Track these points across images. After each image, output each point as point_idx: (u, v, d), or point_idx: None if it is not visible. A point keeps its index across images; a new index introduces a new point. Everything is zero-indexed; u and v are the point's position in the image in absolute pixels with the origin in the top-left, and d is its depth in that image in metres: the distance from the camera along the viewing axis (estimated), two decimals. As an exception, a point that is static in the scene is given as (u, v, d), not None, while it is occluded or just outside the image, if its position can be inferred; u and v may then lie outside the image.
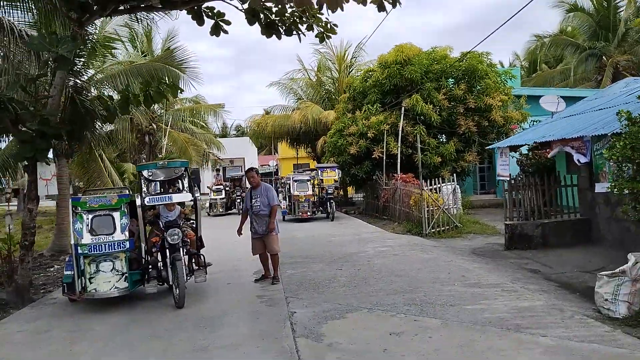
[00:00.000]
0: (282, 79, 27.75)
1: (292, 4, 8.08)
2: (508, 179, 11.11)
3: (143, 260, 7.59)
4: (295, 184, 17.29)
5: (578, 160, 8.63)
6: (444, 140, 18.53)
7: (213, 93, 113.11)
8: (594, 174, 9.06)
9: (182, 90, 12.51)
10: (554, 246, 9.99)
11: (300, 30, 8.65)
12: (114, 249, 7.04)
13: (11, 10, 10.10)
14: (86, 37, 14.11)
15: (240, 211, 11.33)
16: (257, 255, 8.37)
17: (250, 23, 8.50)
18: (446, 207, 13.34)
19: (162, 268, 7.41)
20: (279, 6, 8.24)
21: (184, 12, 8.96)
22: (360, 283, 7.73)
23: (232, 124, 58.62)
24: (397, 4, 8.50)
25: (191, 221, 8.06)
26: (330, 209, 17.23)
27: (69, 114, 9.33)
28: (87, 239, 7.01)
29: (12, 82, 8.40)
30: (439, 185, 13.82)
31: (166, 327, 6.13)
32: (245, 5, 8.28)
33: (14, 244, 8.07)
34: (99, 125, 15.99)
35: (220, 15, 8.65)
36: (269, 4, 8.34)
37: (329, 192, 17.52)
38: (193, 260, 7.87)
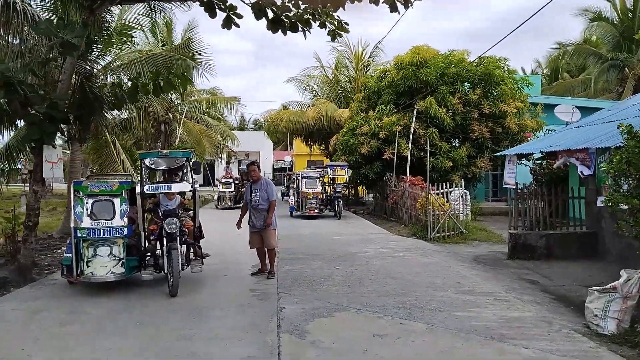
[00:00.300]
0: (299, 75, 27.87)
1: (300, 2, 8.12)
2: (514, 187, 10.97)
3: (142, 247, 7.69)
4: (304, 180, 17.35)
5: (581, 173, 8.49)
6: (457, 144, 18.38)
7: (233, 86, 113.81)
8: (598, 187, 8.92)
9: (191, 82, 12.69)
10: (557, 258, 9.85)
11: (305, 27, 8.67)
12: (112, 234, 7.15)
13: (31, -6, 10.33)
14: (102, 25, 14.33)
15: None
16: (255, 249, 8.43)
17: (257, 17, 8.55)
18: (454, 212, 13.24)
19: (159, 256, 7.50)
20: (286, 3, 8.28)
21: (199, 3, 9.08)
22: (355, 283, 7.74)
23: (250, 118, 58.91)
24: (410, 5, 8.49)
25: (190, 211, 8.14)
26: (338, 207, 17.25)
27: (78, 99, 9.49)
28: (86, 223, 7.13)
29: (24, 64, 8.57)
30: (447, 190, 13.71)
31: (157, 315, 6.22)
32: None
33: (18, 224, 8.24)
34: (112, 113, 16.28)
35: (233, 8, 8.70)
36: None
37: (338, 190, 17.54)
38: (191, 250, 7.96)
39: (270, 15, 8.75)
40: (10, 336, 5.51)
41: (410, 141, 17.18)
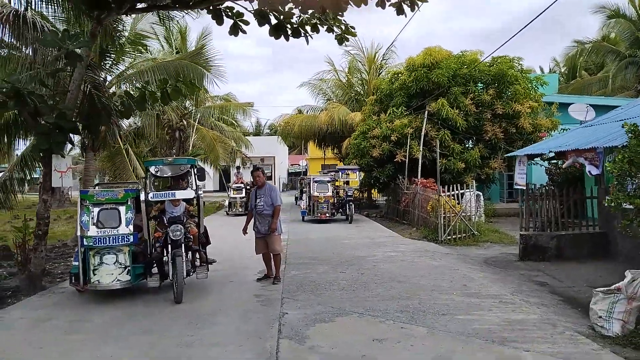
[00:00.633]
0: (311, 79, 27.90)
1: (298, 7, 8.17)
2: (525, 187, 10.81)
3: (148, 254, 7.78)
4: (316, 184, 17.35)
5: (589, 172, 8.33)
6: (470, 146, 18.20)
7: (250, 91, 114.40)
8: (606, 186, 8.72)
9: (199, 89, 12.79)
10: (568, 259, 9.67)
11: (313, 32, 8.71)
12: (118, 242, 7.26)
13: (44, 5, 10.57)
14: (114, 34, 14.56)
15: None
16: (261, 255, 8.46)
17: (260, 24, 8.62)
18: (466, 214, 13.10)
19: (165, 263, 7.58)
20: (286, 8, 8.34)
21: (206, 11, 9.20)
22: (360, 287, 7.71)
23: (265, 123, 59.25)
24: (416, 7, 8.47)
25: (196, 218, 8.21)
26: (349, 211, 17.20)
27: (86, 108, 9.67)
28: (92, 231, 7.25)
29: (32, 75, 8.77)
30: (458, 192, 13.57)
31: (161, 322, 6.28)
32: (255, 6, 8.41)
33: (28, 233, 8.42)
34: (125, 122, 16.53)
35: (239, 15, 8.80)
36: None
37: (349, 194, 17.49)
38: (196, 256, 8.03)
39: (273, 21, 8.85)
40: (14, 344, 5.63)
41: (422, 143, 17.07)
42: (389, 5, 8.18)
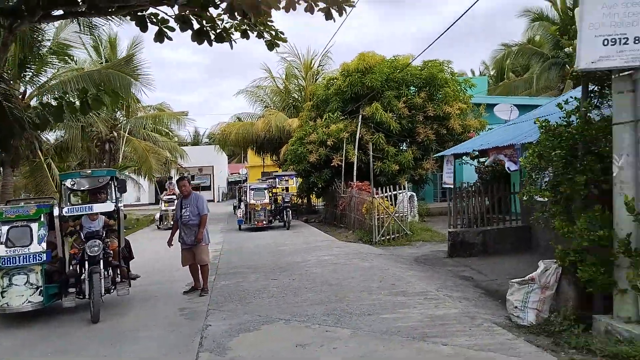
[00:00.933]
0: (248, 86, 27.66)
1: (226, 12, 8.02)
2: (452, 186, 11.13)
3: (65, 272, 7.34)
4: (252, 192, 17.14)
5: (508, 168, 8.68)
6: (404, 148, 18.60)
7: (187, 100, 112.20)
8: (522, 181, 9.12)
9: (123, 98, 12.37)
10: (494, 253, 10.02)
11: (232, 37, 8.58)
12: (29, 261, 6.80)
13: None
14: (33, 44, 13.75)
15: None
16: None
17: (182, 30, 8.40)
18: (400, 214, 13.33)
19: (82, 281, 7.17)
20: (208, 13, 8.16)
21: (129, 17, 8.86)
22: (290, 293, 7.61)
23: (204, 132, 58.17)
24: (344, 12, 8.53)
25: (116, 232, 7.84)
26: (287, 217, 17.07)
27: (-5, 122, 9.07)
28: (1, 251, 6.76)
29: None
30: (391, 193, 13.80)
31: (76, 342, 5.93)
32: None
33: None
34: (47, 135, 15.69)
35: (164, 21, 8.51)
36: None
37: (286, 200, 17.39)
38: (117, 272, 7.66)
39: (196, 26, 8.65)
40: None
41: (357, 147, 17.27)
42: (318, 11, 8.21)
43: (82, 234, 7.34)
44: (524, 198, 5.89)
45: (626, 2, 4.72)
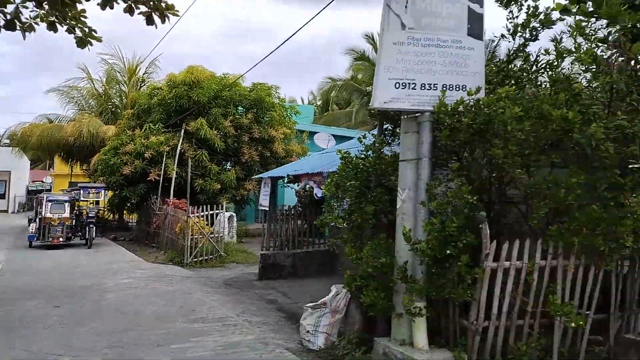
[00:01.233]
0: (61, 85, 24.77)
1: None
2: (268, 208, 11.22)
3: None
4: (50, 204, 15.12)
5: (316, 194, 9.08)
6: (228, 167, 18.39)
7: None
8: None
9: None
10: (302, 276, 10.28)
11: (24, 27, 7.51)
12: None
13: None
14: None
15: None
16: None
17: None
18: (217, 235, 12.98)
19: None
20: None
21: None
22: (72, 323, 6.71)
23: (4, 132, 50.50)
24: (167, 19, 8.03)
25: None
26: (89, 234, 15.33)
27: None
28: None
29: None
30: (209, 212, 13.39)
31: None
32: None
33: None
34: None
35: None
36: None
37: (90, 215, 15.69)
38: None
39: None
40: None
41: (177, 162, 16.55)
42: (138, 14, 7.65)
43: None
44: (320, 225, 6.10)
45: (417, 52, 5.20)
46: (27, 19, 7.82)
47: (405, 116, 5.35)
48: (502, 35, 5.90)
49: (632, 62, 5.53)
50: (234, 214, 17.14)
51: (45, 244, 14.84)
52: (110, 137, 19.72)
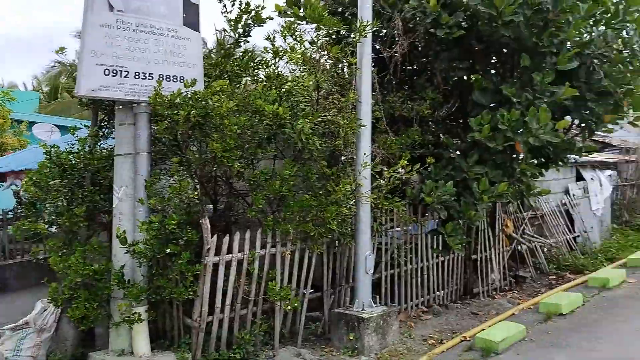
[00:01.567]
0: None
1: None
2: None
3: None
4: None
5: (23, 196, 7.80)
6: None
7: None
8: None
9: None
10: (17, 290, 8.74)
11: None
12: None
13: None
14: None
15: None
16: None
17: None
18: None
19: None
20: None
21: None
22: None
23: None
24: None
25: None
26: None
27: None
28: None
29: None
30: None
31: None
32: None
33: None
34: None
35: None
36: None
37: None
38: None
39: None
40: None
41: None
42: None
43: None
44: (13, 232, 5.20)
45: (129, 37, 4.76)
46: None
47: (120, 107, 4.91)
48: (224, 30, 5.97)
49: (337, 64, 6.25)
50: None
51: None
52: None
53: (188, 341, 4.80)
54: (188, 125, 4.60)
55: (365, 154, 5.41)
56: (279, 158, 5.63)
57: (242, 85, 5.73)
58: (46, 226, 4.94)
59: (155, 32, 4.81)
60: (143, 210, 4.71)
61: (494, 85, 6.33)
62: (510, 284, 8.44)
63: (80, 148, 5.38)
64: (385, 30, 6.83)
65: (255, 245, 5.06)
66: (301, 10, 5.98)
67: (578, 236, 10.25)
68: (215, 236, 4.68)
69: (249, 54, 5.64)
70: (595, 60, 6.29)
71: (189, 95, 4.65)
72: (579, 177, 10.96)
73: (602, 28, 6.28)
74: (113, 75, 4.66)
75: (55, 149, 5.38)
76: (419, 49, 6.91)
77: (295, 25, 5.64)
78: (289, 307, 5.15)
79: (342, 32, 6.15)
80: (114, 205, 4.81)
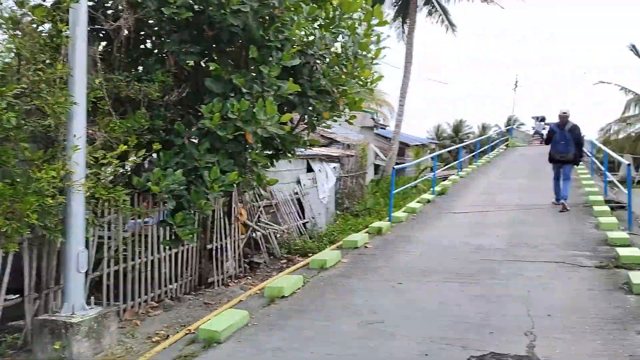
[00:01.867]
0: None
1: None
2: None
3: None
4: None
5: None
6: None
7: None
8: None
9: None
10: None
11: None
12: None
13: None
14: None
15: None
16: None
17: None
18: None
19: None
20: None
21: None
22: None
23: None
24: None
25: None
26: None
27: None
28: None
29: None
30: None
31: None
32: None
33: None
34: None
35: None
36: None
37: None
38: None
39: None
40: None
41: None
42: None
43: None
44: None
45: None
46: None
47: None
48: None
49: (47, 27, 5.30)
50: None
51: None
52: None
53: None
54: None
55: (76, 136, 4.72)
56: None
57: None
58: None
59: None
60: None
61: (228, 74, 6.30)
62: (245, 270, 8.70)
63: None
64: (111, 2, 6.19)
65: None
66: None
67: (307, 222, 11.26)
68: None
69: None
70: (317, 61, 6.84)
71: None
72: (310, 169, 12.04)
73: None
74: None
75: None
76: (151, 28, 6.44)
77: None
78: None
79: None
80: None
